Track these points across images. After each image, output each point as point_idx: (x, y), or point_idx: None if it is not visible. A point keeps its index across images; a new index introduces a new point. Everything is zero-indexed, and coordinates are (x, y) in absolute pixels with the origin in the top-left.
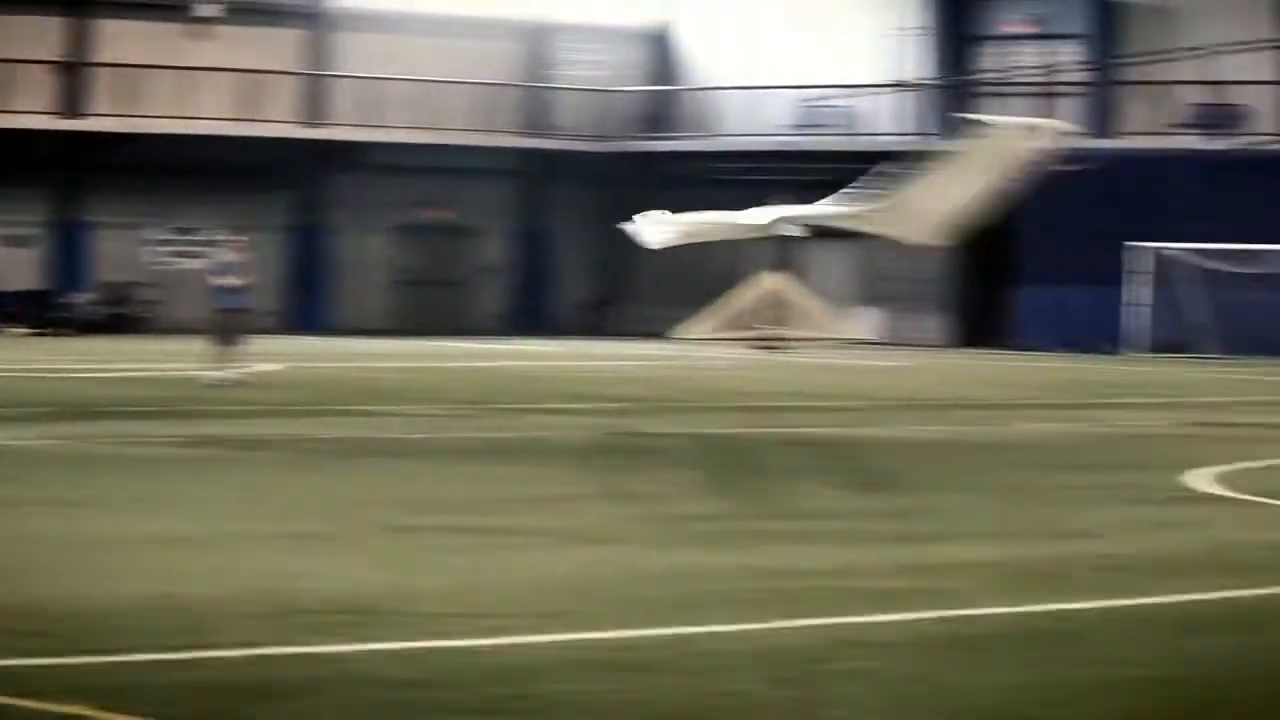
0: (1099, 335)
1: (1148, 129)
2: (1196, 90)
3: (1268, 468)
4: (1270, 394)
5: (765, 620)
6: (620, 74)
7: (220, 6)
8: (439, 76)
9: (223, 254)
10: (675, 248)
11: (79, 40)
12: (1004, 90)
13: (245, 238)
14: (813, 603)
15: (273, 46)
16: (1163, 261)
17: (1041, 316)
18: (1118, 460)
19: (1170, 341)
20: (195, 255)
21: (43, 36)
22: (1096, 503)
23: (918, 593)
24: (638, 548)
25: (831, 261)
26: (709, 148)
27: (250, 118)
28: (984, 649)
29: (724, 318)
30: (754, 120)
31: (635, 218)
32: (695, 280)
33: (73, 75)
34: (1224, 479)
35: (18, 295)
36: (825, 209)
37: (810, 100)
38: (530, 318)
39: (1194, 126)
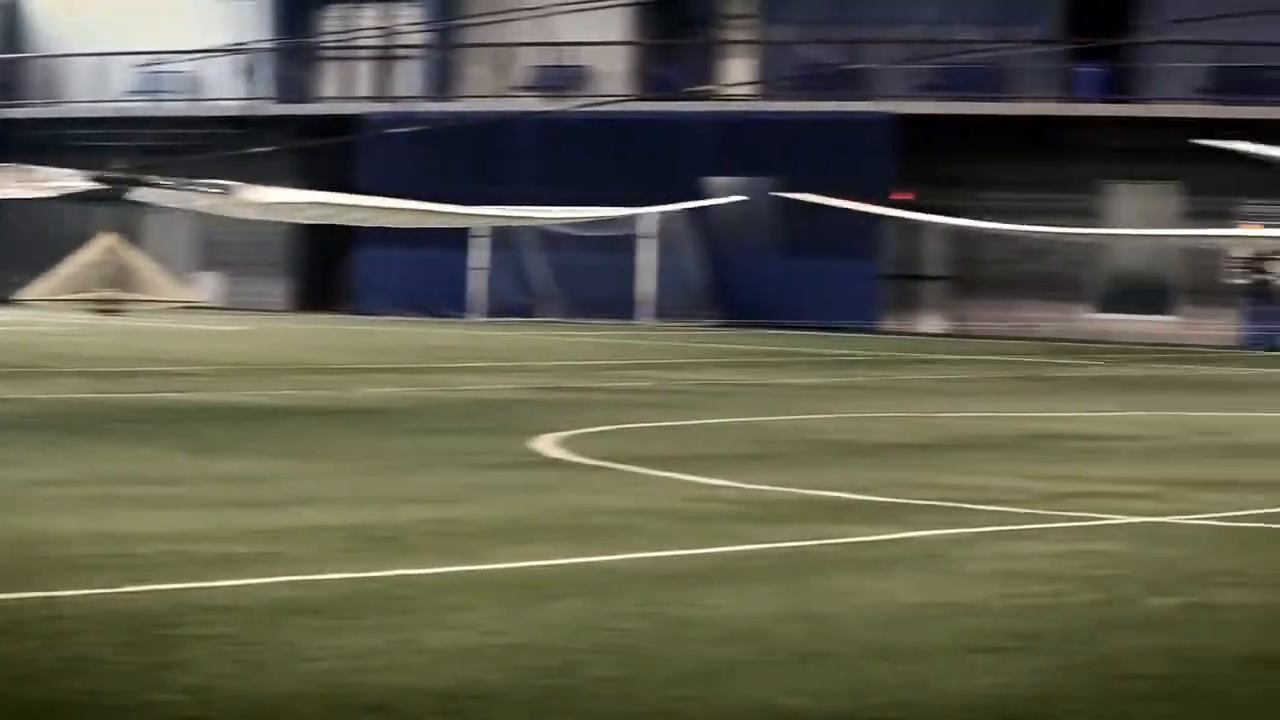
0: (441, 299)
1: (489, 91)
2: (538, 52)
3: (610, 432)
4: (610, 357)
5: (112, 585)
6: None
7: None
8: None
9: None
10: (17, 210)
11: None
12: (344, 54)
13: None
14: (159, 568)
15: None
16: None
17: (382, 280)
18: (461, 425)
19: (513, 305)
20: None
21: None
22: (440, 468)
23: (264, 557)
24: None
25: (170, 225)
26: (55, 114)
27: None
28: (332, 614)
29: (62, 280)
30: (99, 86)
31: None
32: (40, 243)
33: None
34: (568, 443)
35: None
36: None
37: (151, 65)
38: None
39: (535, 88)
